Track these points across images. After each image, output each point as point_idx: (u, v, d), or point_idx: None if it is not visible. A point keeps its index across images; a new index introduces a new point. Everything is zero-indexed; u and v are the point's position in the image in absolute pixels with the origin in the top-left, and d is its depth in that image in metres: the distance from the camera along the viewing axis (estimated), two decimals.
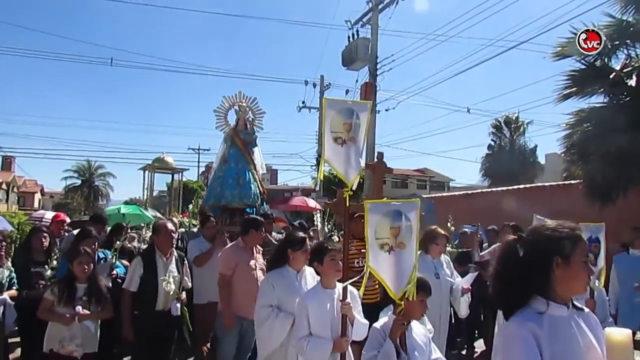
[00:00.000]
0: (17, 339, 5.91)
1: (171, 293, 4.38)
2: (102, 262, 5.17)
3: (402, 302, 2.77)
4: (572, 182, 11.17)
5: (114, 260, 5.09)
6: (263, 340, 3.67)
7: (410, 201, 2.91)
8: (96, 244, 5.05)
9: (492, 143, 35.00)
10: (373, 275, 4.67)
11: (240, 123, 7.25)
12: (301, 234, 4.10)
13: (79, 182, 47.61)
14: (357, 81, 16.66)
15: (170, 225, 4.67)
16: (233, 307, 4.55)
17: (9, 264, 4.85)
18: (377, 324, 3.01)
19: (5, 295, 4.51)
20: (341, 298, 3.12)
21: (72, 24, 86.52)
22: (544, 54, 9.20)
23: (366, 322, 3.25)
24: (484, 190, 19.75)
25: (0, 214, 15.86)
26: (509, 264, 1.84)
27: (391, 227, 2.80)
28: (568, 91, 9.44)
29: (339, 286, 3.24)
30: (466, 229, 7.69)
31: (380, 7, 15.05)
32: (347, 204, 3.23)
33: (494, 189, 17.97)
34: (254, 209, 6.89)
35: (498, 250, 2.00)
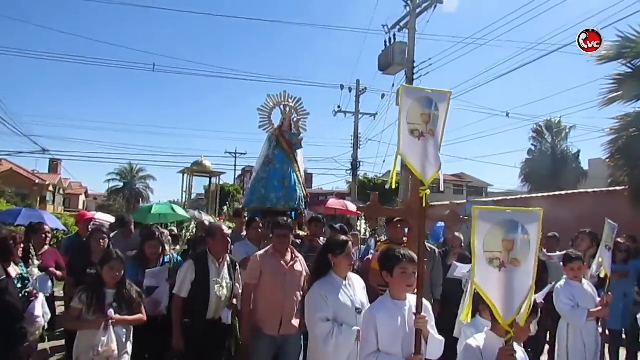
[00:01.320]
0: (57, 343, 5.84)
1: (223, 299, 4.17)
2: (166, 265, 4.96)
3: (512, 330, 2.38)
4: (617, 188, 10.81)
5: (171, 265, 4.85)
6: (327, 358, 3.36)
7: (531, 211, 2.46)
8: (160, 246, 4.91)
9: (533, 148, 34.11)
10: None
11: (286, 123, 7.01)
12: (342, 237, 3.73)
13: (121, 184, 49.23)
14: (393, 85, 16.67)
15: (226, 229, 4.37)
16: (259, 323, 4.10)
17: (38, 262, 4.71)
18: (472, 342, 2.62)
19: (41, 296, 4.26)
20: (414, 311, 2.82)
21: (116, 31, 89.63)
22: (588, 57, 8.95)
23: (441, 338, 2.92)
24: (524, 196, 19.32)
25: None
26: None
27: (504, 240, 2.37)
28: (613, 95, 9.16)
29: (410, 298, 2.93)
30: None
31: (417, 11, 14.99)
32: (425, 205, 2.89)
33: (535, 195, 17.57)
34: (296, 212, 6.67)
35: None
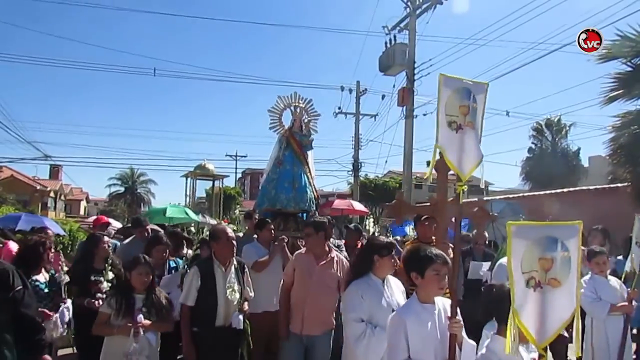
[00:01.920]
0: (68, 350, 5.48)
1: (234, 303, 4.04)
2: (173, 271, 4.95)
3: (546, 354, 2.26)
4: (619, 185, 10.91)
5: (185, 270, 4.75)
6: (358, 359, 3.28)
7: (570, 224, 2.29)
8: (167, 251, 4.85)
9: (533, 146, 34.27)
10: None
11: (296, 124, 6.90)
12: (386, 239, 3.69)
13: (122, 189, 49.17)
14: (394, 86, 16.73)
15: (230, 232, 4.20)
16: (290, 321, 4.16)
17: (66, 269, 4.47)
18: (482, 350, 2.54)
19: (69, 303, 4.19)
20: (444, 314, 2.70)
21: (117, 36, 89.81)
22: (589, 56, 9.03)
23: (473, 343, 2.76)
24: (525, 194, 19.41)
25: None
26: None
27: (541, 258, 2.21)
28: (614, 93, 9.28)
29: (439, 301, 2.77)
30: None
31: (417, 12, 15.07)
32: (460, 201, 2.77)
33: (536, 193, 17.64)
34: (307, 214, 6.58)
35: None
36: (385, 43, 15.97)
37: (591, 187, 14.46)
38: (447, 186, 3.21)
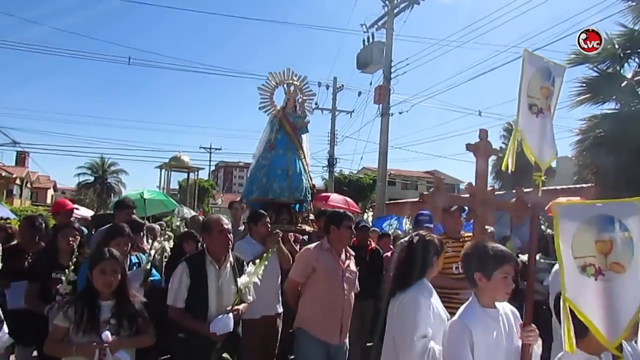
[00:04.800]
0: None
1: (229, 307, 3.35)
2: (135, 267, 4.11)
3: (621, 354, 1.98)
4: (583, 185, 11.38)
5: (148, 267, 4.06)
6: None
7: (628, 201, 2.02)
8: (129, 244, 3.98)
9: (504, 146, 35.10)
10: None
11: (290, 104, 6.21)
12: (437, 237, 3.10)
13: (92, 179, 48.24)
14: (371, 84, 16.91)
15: (226, 222, 3.52)
16: (312, 329, 3.60)
17: None
18: None
19: None
20: (507, 320, 2.37)
21: (90, 23, 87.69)
22: (558, 60, 9.42)
23: (538, 352, 2.43)
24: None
25: (17, 210, 16.05)
26: None
27: (598, 241, 1.95)
28: (581, 97, 9.71)
29: (500, 306, 2.39)
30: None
31: (395, 11, 15.27)
32: (539, 192, 2.44)
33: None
34: (301, 205, 5.99)
35: None
36: (363, 41, 16.15)
37: (558, 187, 14.95)
38: (486, 174, 2.84)
